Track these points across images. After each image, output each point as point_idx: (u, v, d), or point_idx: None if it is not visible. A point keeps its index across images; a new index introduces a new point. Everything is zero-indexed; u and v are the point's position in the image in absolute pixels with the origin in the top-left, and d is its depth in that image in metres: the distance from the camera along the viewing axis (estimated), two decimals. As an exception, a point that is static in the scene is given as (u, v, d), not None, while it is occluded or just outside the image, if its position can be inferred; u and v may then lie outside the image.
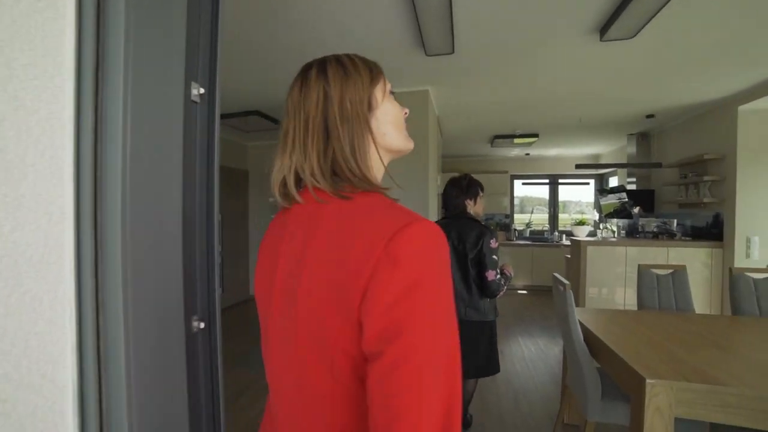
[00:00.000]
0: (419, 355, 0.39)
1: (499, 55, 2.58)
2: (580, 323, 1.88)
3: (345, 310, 0.42)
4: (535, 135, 4.98)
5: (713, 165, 3.79)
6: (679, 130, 4.33)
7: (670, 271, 2.56)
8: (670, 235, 4.20)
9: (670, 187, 4.45)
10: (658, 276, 2.54)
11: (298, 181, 0.54)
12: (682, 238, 4.08)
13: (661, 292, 2.52)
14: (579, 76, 2.97)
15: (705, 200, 3.77)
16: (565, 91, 3.37)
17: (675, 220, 4.28)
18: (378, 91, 0.56)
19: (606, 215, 5.53)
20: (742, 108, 3.49)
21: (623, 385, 1.54)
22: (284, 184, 0.54)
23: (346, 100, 0.52)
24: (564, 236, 6.69)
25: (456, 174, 2.13)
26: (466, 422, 2.17)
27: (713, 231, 3.81)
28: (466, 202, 2.01)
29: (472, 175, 2.11)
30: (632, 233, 5.33)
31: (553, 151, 6.46)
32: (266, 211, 6.05)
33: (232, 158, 5.44)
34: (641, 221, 5.14)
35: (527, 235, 6.96)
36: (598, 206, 6.93)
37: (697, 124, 4.00)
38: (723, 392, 1.29)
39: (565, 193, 7.15)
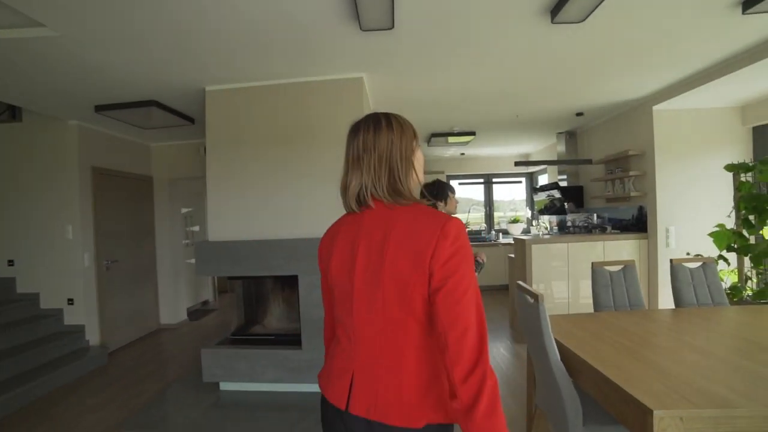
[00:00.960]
0: (464, 282, 0.76)
1: (442, 35, 2.29)
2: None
3: (420, 267, 0.76)
4: (473, 133, 4.90)
5: (635, 161, 3.98)
6: (603, 128, 4.53)
7: (621, 267, 2.50)
8: (602, 229, 4.35)
9: (598, 183, 4.64)
10: (611, 273, 2.46)
11: (366, 193, 0.86)
12: (612, 231, 4.24)
13: (614, 289, 2.43)
14: (523, 64, 2.82)
15: (631, 194, 3.94)
16: (507, 83, 3.24)
17: (606, 215, 4.46)
18: (416, 144, 0.93)
19: (539, 211, 5.66)
20: (656, 108, 3.69)
21: (617, 414, 1.29)
22: (358, 195, 0.87)
23: (403, 147, 0.88)
24: (501, 235, 6.80)
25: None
26: None
27: (638, 223, 3.99)
28: (437, 204, 2.25)
29: (440, 180, 2.41)
30: (563, 228, 5.53)
31: (487, 151, 6.52)
32: (178, 222, 5.17)
33: (134, 162, 4.53)
34: (569, 217, 5.34)
35: (466, 235, 6.95)
36: (530, 203, 7.20)
37: (620, 122, 4.19)
38: (735, 415, 1.09)
39: (498, 192, 7.31)
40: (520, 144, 5.98)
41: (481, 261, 2.21)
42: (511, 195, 7.52)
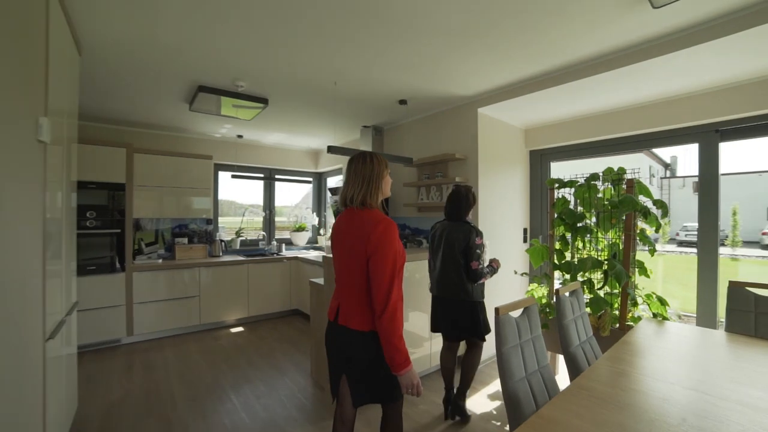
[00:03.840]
0: (387, 255, 1.40)
1: None
2: None
3: (364, 247, 1.41)
4: (263, 101, 3.32)
5: (457, 166, 3.58)
6: (423, 125, 3.99)
7: (521, 310, 1.67)
8: (417, 243, 3.75)
9: (410, 189, 4.08)
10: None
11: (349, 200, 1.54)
12: (426, 246, 3.70)
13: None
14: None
15: (448, 204, 3.50)
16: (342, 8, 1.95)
17: (418, 226, 3.90)
18: (386, 172, 1.58)
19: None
20: (481, 110, 3.39)
21: None
22: (345, 201, 1.55)
23: (378, 173, 1.54)
24: (283, 246, 5.42)
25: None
26: (464, 417, 2.44)
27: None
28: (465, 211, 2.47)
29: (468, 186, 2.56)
30: (362, 240, 4.76)
31: (272, 138, 5.02)
32: None
33: None
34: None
35: (237, 247, 5.15)
36: (318, 208, 6.17)
37: (445, 120, 3.72)
38: None
39: (283, 193, 5.91)
40: (315, 134, 4.83)
41: (495, 266, 2.46)
42: (295, 197, 6.28)
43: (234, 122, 4.15)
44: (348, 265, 1.47)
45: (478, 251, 2.31)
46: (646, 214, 2.46)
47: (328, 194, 5.74)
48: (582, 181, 2.78)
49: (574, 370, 1.83)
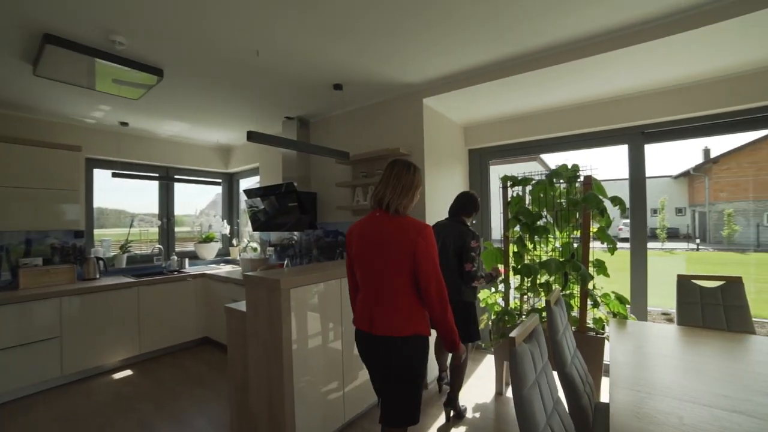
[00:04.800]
0: (431, 261, 1.49)
1: None
2: None
3: (408, 253, 1.47)
4: (158, 72, 2.52)
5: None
6: (361, 117, 3.53)
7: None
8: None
9: (343, 190, 3.58)
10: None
11: (385, 205, 1.57)
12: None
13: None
14: None
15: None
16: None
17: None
18: (420, 183, 1.64)
19: (257, 227, 3.95)
20: (427, 102, 3.08)
21: None
22: (381, 203, 1.57)
23: (417, 186, 1.61)
24: (186, 262, 4.44)
25: None
26: (459, 414, 2.47)
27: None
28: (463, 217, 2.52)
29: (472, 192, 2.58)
30: (286, 250, 4.11)
31: (169, 128, 4.06)
32: None
33: None
34: (297, 234, 4.01)
35: (123, 265, 4.04)
36: (229, 214, 5.26)
37: (386, 111, 3.30)
38: None
39: (185, 197, 4.88)
40: (226, 125, 4.03)
41: (494, 273, 2.51)
42: (201, 202, 5.28)
43: (114, 102, 3.17)
44: (387, 271, 1.50)
45: (472, 254, 2.31)
46: (602, 212, 2.37)
47: (242, 197, 4.90)
48: (537, 178, 2.63)
49: (571, 393, 1.55)
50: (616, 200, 2.34)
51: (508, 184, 2.76)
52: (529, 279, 2.53)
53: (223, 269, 4.34)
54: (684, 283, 2.32)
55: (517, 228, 2.69)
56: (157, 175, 4.43)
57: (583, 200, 2.30)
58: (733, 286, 2.24)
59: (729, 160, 6.99)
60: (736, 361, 1.62)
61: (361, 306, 1.60)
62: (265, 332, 2.05)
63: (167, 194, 4.58)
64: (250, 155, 4.70)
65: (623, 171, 3.14)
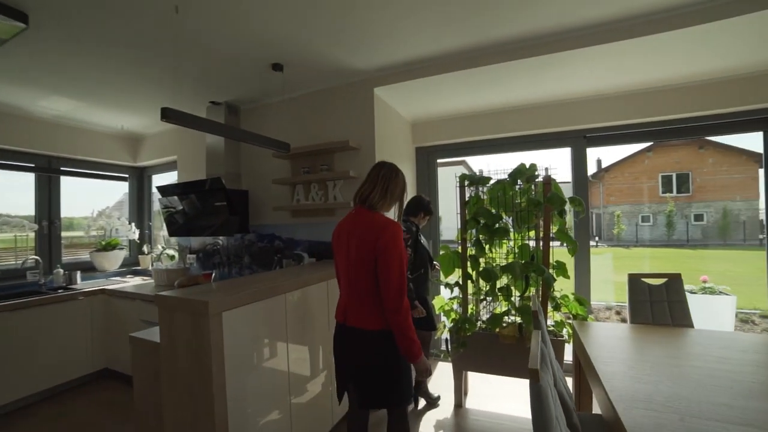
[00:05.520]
0: (394, 257, 1.46)
1: None
2: None
3: (372, 248, 1.48)
4: (21, 15, 1.86)
5: (346, 158, 2.88)
6: (298, 106, 3.11)
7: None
8: (297, 258, 2.85)
9: (282, 188, 3.13)
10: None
11: (364, 200, 1.62)
12: (309, 260, 2.86)
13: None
14: None
15: (336, 205, 2.77)
16: None
17: (298, 237, 3.00)
18: (405, 189, 1.72)
19: (174, 231, 3.31)
20: (378, 91, 2.81)
21: None
22: (363, 200, 1.61)
23: (401, 193, 1.69)
24: (77, 276, 3.57)
25: None
26: (432, 401, 2.63)
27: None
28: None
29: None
30: (211, 258, 3.53)
31: (47, 107, 3.21)
32: None
33: None
34: (223, 239, 3.47)
35: (-18, 282, 3.09)
36: (138, 216, 4.42)
37: (329, 99, 2.94)
38: None
39: (77, 195, 3.94)
40: (134, 108, 3.31)
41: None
42: (100, 202, 4.36)
43: (-39, 66, 2.35)
44: (356, 267, 1.52)
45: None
46: (561, 213, 2.33)
47: (156, 196, 4.14)
48: (496, 177, 2.51)
49: (564, 412, 1.39)
50: (575, 201, 2.31)
51: (465, 183, 2.61)
52: (488, 284, 2.40)
53: (131, 282, 3.59)
54: (635, 282, 2.37)
55: (474, 231, 2.55)
56: (33, 165, 3.50)
57: (547, 201, 2.22)
58: (674, 282, 2.34)
59: (616, 170, 8.42)
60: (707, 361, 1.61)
61: (340, 298, 1.68)
62: (187, 370, 1.58)
63: (49, 191, 3.65)
64: (166, 146, 3.98)
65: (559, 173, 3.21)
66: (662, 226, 8.18)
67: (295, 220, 3.08)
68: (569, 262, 2.96)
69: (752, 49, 2.22)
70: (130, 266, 4.22)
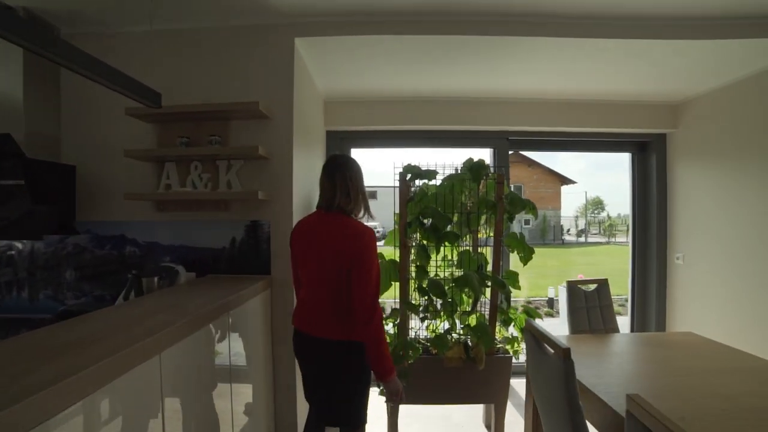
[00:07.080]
0: (370, 267, 1.33)
1: None
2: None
3: (346, 259, 1.33)
4: None
5: (248, 128, 2.03)
6: (180, 46, 2.07)
7: None
8: (167, 273, 1.87)
9: (142, 167, 2.06)
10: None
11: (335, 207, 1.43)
12: (186, 274, 1.92)
13: None
14: None
15: (232, 194, 1.93)
16: None
17: (160, 240, 2.00)
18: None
19: None
20: (299, 41, 2.06)
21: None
22: (330, 206, 1.43)
23: (362, 179, 1.50)
24: None
25: None
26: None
27: (249, 258, 2.04)
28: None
29: None
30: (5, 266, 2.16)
31: None
32: None
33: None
34: (19, 244, 2.18)
35: None
36: None
37: (229, 43, 2.02)
38: None
39: None
40: None
41: None
42: None
43: None
44: (324, 274, 1.39)
45: None
46: (511, 218, 2.08)
47: None
48: (446, 173, 2.11)
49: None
50: (528, 204, 2.07)
51: (408, 177, 2.13)
52: (441, 299, 1.98)
53: None
54: (573, 289, 2.30)
55: (417, 235, 2.11)
56: None
57: (509, 202, 1.92)
58: (603, 287, 2.36)
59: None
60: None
61: (300, 305, 1.52)
62: None
63: None
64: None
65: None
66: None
67: (161, 215, 2.06)
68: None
69: (655, 78, 2.43)
70: None
